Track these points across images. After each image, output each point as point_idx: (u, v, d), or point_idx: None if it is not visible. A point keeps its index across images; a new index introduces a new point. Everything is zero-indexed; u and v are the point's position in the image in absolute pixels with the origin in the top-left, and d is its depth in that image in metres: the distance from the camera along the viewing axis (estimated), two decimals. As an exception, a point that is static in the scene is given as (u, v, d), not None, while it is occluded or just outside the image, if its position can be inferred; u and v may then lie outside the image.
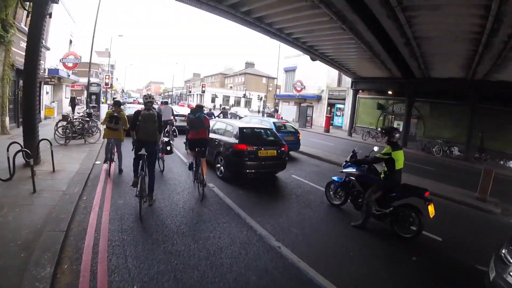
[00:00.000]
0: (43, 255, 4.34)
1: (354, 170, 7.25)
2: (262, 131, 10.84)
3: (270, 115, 38.85)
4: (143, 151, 6.55)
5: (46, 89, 24.10)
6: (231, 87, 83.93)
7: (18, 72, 16.09)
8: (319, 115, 37.40)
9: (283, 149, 9.87)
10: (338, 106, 36.51)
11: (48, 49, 21.95)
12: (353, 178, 7.28)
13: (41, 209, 5.98)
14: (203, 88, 48.31)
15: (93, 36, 19.67)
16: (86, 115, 15.14)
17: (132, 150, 7.07)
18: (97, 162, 10.33)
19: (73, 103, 27.15)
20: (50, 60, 23.93)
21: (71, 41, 31.63)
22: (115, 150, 9.60)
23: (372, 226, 6.79)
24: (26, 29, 17.18)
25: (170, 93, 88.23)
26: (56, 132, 13.15)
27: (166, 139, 9.08)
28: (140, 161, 6.56)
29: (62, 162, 9.56)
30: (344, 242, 6.10)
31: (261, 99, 62.36)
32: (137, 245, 5.16)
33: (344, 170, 7.56)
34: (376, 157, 6.60)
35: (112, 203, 6.97)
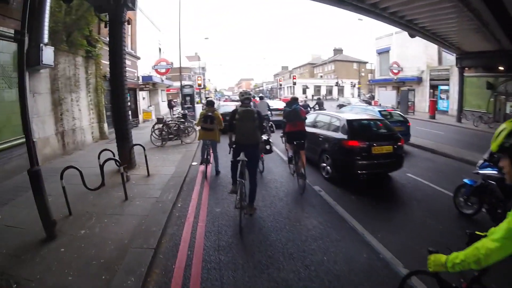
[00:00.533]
0: (127, 278, 3.67)
1: (495, 172, 5.32)
2: (374, 122, 8.92)
3: (367, 103, 35.89)
4: (242, 156, 5.48)
5: (142, 95, 25.15)
6: (321, 76, 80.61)
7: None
8: (420, 99, 32.58)
9: (399, 143, 7.97)
10: (442, 87, 31.37)
11: (138, 58, 22.77)
12: (493, 182, 5.35)
13: (130, 220, 5.27)
14: (294, 80, 46.25)
15: (179, 41, 19.66)
16: (181, 116, 14.96)
17: (229, 153, 6.16)
18: (193, 163, 9.63)
19: (170, 105, 28.02)
20: (143, 68, 24.89)
21: (160, 49, 32.93)
22: (211, 151, 8.78)
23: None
24: None
25: (261, 88, 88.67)
26: (153, 135, 13.05)
27: (265, 137, 7.75)
28: (239, 166, 5.50)
29: (157, 165, 9.07)
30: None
31: (354, 86, 58.45)
32: (236, 269, 4.12)
33: (480, 172, 5.66)
34: None
35: (208, 212, 5.99)
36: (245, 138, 5.74)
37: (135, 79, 21.97)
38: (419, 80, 33.33)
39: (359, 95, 47.85)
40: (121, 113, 8.75)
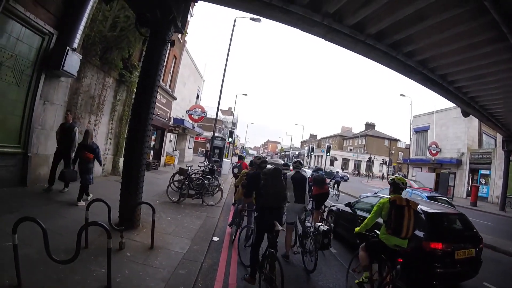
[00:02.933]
0: None
1: None
2: (453, 217, 6.66)
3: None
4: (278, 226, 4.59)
5: (170, 137, 23.32)
6: (350, 150, 78.78)
7: None
8: (458, 183, 30.05)
9: (481, 245, 5.96)
10: (482, 172, 28.90)
11: (174, 98, 21.29)
12: None
13: None
14: (322, 148, 43.88)
15: (221, 91, 18.02)
16: (207, 171, 12.59)
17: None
18: (214, 239, 7.05)
19: (206, 155, 25.91)
20: (176, 110, 23.42)
21: (198, 96, 31.91)
22: (246, 214, 6.63)
23: None
24: None
25: (287, 152, 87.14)
26: (171, 186, 10.64)
27: (321, 225, 5.70)
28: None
29: (167, 232, 6.60)
30: None
31: (385, 163, 55.97)
32: None
33: None
34: None
35: None
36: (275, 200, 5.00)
37: (166, 119, 20.23)
38: (458, 163, 31.12)
39: (392, 174, 44.65)
40: (136, 155, 6.43)
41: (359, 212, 7.85)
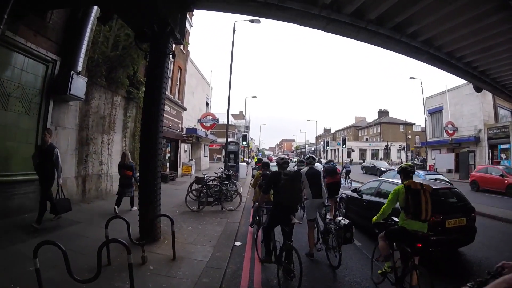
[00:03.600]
0: None
1: None
2: (444, 191, 7.21)
3: (422, 167, 32.45)
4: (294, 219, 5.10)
5: (184, 147, 23.53)
6: (366, 139, 77.90)
7: None
8: (479, 161, 29.09)
9: (472, 215, 6.68)
10: (502, 146, 28.13)
11: (184, 109, 21.50)
12: None
13: None
14: (338, 141, 43.23)
15: (229, 95, 18.02)
16: (224, 177, 12.69)
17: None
18: (237, 244, 7.01)
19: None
20: (188, 120, 23.63)
21: (207, 104, 32.08)
22: (264, 213, 7.25)
23: None
24: None
25: (303, 149, 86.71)
26: (189, 195, 10.67)
27: (342, 219, 5.62)
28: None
29: (188, 242, 6.61)
30: None
31: (403, 149, 55.14)
32: None
33: None
34: None
35: None
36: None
37: (179, 130, 20.46)
38: (476, 140, 30.18)
39: (412, 159, 43.83)
40: (150, 168, 6.46)
41: (365, 197, 8.53)
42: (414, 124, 72.23)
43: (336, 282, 5.29)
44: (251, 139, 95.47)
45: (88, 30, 8.99)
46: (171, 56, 7.08)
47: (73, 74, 8.34)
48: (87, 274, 3.97)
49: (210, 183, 11.41)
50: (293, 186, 5.21)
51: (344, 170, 20.17)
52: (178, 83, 20.33)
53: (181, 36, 7.38)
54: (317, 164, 7.72)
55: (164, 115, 16.94)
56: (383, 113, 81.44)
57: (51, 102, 8.34)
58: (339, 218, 5.39)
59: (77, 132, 9.84)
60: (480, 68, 14.03)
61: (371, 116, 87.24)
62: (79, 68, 8.80)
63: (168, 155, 19.61)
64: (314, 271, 5.63)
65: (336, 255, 5.78)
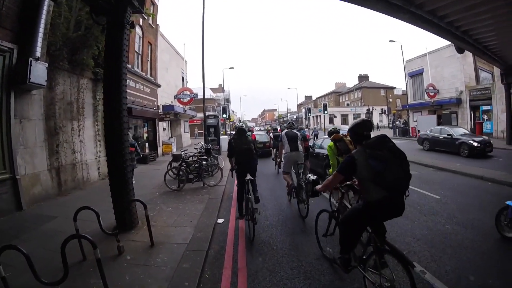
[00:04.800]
0: None
1: None
2: None
3: (404, 130, 32.88)
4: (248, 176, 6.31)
5: (163, 125, 22.95)
6: (348, 105, 77.75)
7: (129, 112, 14.76)
8: (461, 122, 29.82)
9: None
10: (484, 108, 28.60)
11: (158, 86, 20.81)
12: None
13: None
14: (319, 108, 42.79)
15: (203, 67, 17.32)
16: (203, 152, 12.52)
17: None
18: (219, 221, 6.79)
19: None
20: (164, 97, 23.02)
21: (183, 79, 31.30)
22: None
23: None
24: (129, 66, 15.93)
25: (285, 118, 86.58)
26: (169, 174, 10.43)
27: (311, 176, 5.56)
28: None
29: (168, 224, 6.35)
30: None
31: (384, 112, 55.67)
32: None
33: None
34: None
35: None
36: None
37: (154, 108, 19.81)
38: (458, 102, 30.56)
39: (393, 122, 44.34)
40: (117, 151, 6.13)
41: (316, 150, 11.69)
42: (394, 87, 71.90)
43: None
44: (233, 111, 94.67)
45: (44, 12, 8.29)
46: (129, 26, 6.58)
47: (31, 61, 7.72)
48: (62, 274, 3.72)
49: (190, 159, 11.18)
50: (241, 141, 6.82)
51: (313, 133, 26.34)
52: (149, 59, 19.52)
53: (140, 4, 6.78)
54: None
55: (137, 93, 16.59)
56: (363, 77, 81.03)
57: (12, 93, 7.73)
58: (309, 175, 5.50)
59: (44, 122, 9.27)
60: (462, 28, 13.86)
61: (352, 82, 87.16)
62: (38, 54, 8.16)
63: (146, 135, 19.14)
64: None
65: (305, 207, 6.82)
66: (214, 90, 79.56)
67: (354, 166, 3.31)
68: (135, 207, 6.21)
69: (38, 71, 8.07)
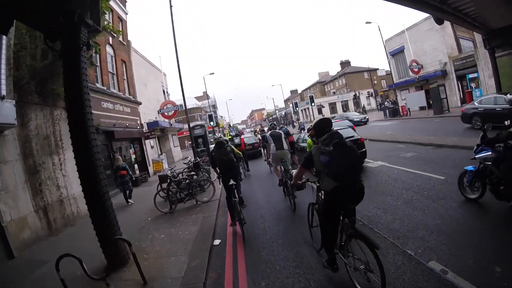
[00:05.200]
0: None
1: (489, 153, 5.46)
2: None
3: (394, 110, 32.54)
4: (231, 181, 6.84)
5: (150, 143, 22.33)
6: (334, 93, 77.28)
7: (107, 135, 14.17)
8: (450, 93, 29.15)
9: (360, 140, 10.70)
10: (470, 76, 28.40)
11: (139, 103, 20.20)
12: (489, 162, 5.42)
13: None
14: (306, 101, 42.27)
15: (180, 75, 16.84)
16: (192, 167, 11.87)
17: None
18: (215, 243, 6.30)
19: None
20: (147, 114, 22.48)
21: (165, 92, 30.79)
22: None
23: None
24: (104, 88, 15.44)
25: (274, 116, 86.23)
26: (159, 196, 9.89)
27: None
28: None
29: (161, 256, 5.86)
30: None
31: (371, 95, 55.55)
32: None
33: (477, 156, 5.73)
34: (510, 131, 5.13)
35: None
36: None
37: (138, 127, 19.27)
38: (443, 74, 30.38)
39: (381, 103, 44.05)
40: (92, 183, 5.63)
41: (301, 144, 12.56)
42: (377, 69, 72.36)
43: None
44: (221, 117, 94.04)
45: (4, 47, 7.81)
46: (86, 47, 6.03)
47: (-5, 101, 7.26)
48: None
49: (180, 175, 10.67)
50: (220, 152, 7.44)
51: (299, 127, 27.39)
52: (125, 77, 18.90)
53: (96, 22, 6.21)
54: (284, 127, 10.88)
55: (118, 115, 16.05)
56: (345, 63, 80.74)
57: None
58: (293, 170, 5.86)
59: (22, 162, 8.75)
60: None
61: (334, 69, 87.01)
62: (3, 92, 7.63)
63: (133, 156, 18.54)
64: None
65: (292, 201, 7.50)
66: (199, 98, 78.93)
67: (311, 160, 3.87)
68: (123, 243, 5.71)
69: (6, 110, 7.56)
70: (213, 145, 8.20)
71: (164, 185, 10.13)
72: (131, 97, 19.12)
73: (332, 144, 3.65)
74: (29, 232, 8.24)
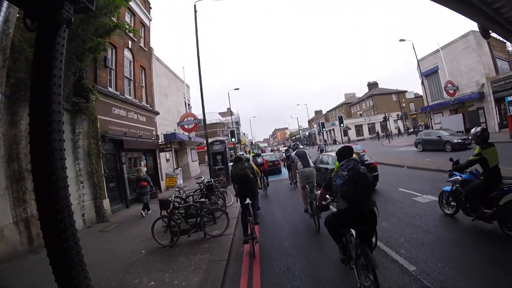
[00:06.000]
0: None
1: (458, 177, 6.85)
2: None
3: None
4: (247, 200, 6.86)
5: (166, 156, 20.95)
6: (360, 115, 75.02)
7: (115, 144, 12.80)
8: (487, 117, 27.31)
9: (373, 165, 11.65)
10: (510, 98, 25.30)
11: (156, 113, 18.82)
12: (458, 185, 6.78)
13: None
14: (332, 122, 40.36)
15: (201, 88, 15.37)
16: (204, 189, 10.23)
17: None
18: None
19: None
20: (164, 125, 21.20)
21: (188, 105, 29.66)
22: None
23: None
24: (117, 93, 14.05)
25: (297, 136, 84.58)
26: (163, 221, 8.03)
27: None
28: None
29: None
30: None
31: (400, 118, 53.17)
32: None
33: (449, 180, 7.14)
34: (470, 160, 6.31)
35: None
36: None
37: (153, 138, 17.83)
38: (481, 96, 27.93)
39: (415, 127, 41.51)
40: (53, 214, 3.93)
41: (318, 165, 12.86)
42: (406, 91, 70.36)
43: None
44: (244, 134, 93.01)
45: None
46: (66, 25, 4.50)
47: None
48: None
49: (189, 198, 9.00)
50: (237, 167, 7.47)
51: (318, 149, 28.25)
52: (143, 85, 17.62)
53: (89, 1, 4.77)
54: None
55: (130, 123, 14.54)
56: (372, 85, 78.50)
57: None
58: (318, 192, 5.72)
59: (5, 166, 7.55)
60: (494, 5, 11.74)
61: (361, 91, 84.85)
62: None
63: (145, 169, 16.96)
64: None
65: (317, 221, 7.35)
66: (222, 114, 77.99)
67: (330, 183, 4.36)
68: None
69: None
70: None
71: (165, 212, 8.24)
72: (148, 106, 17.76)
73: (347, 170, 4.00)
74: (4, 246, 7.19)
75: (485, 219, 5.92)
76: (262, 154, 22.50)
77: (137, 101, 16.04)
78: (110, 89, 13.30)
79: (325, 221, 4.74)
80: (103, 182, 11.47)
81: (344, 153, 4.44)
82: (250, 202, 6.79)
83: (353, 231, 4.35)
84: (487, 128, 7.67)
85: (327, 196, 4.74)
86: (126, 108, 14.42)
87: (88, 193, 10.60)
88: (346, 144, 15.60)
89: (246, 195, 6.99)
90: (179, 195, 10.04)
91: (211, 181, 10.63)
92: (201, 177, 12.11)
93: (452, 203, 7.09)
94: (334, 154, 7.54)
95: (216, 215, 8.10)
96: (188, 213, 7.90)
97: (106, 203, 11.39)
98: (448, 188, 7.17)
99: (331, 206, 4.95)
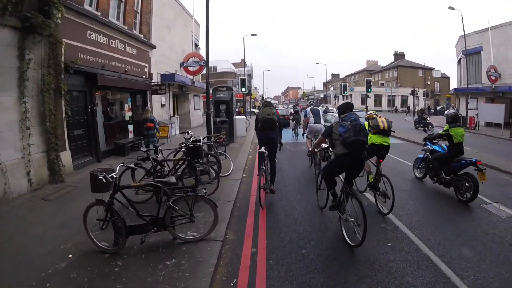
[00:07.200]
0: None
1: (428, 146, 8.20)
2: None
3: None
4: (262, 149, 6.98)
5: (162, 100, 18.03)
6: (382, 84, 70.06)
7: (87, 78, 10.08)
8: None
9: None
10: None
11: (152, 47, 15.57)
12: (428, 153, 8.15)
13: None
14: (351, 87, 36.45)
15: (207, 20, 11.78)
16: (188, 155, 7.26)
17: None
18: None
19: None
20: (163, 64, 18.07)
21: (196, 45, 26.32)
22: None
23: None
24: (97, 13, 10.58)
25: (310, 96, 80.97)
26: (97, 209, 4.64)
27: (324, 144, 6.22)
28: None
29: None
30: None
31: (427, 95, 49.71)
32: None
33: (423, 148, 8.61)
34: (439, 133, 7.69)
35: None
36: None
37: (144, 76, 14.66)
38: None
39: (447, 107, 38.12)
40: None
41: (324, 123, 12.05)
42: (433, 69, 65.88)
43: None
44: (255, 88, 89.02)
45: None
46: None
47: None
48: None
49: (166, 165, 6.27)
50: (264, 112, 7.28)
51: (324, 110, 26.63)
52: (138, 10, 14.26)
53: None
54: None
55: (112, 54, 10.38)
56: (399, 55, 73.78)
57: None
58: (324, 144, 6.22)
59: None
60: None
61: (384, 61, 79.92)
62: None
63: (129, 113, 14.02)
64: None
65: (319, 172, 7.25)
66: (235, 64, 73.95)
67: (331, 131, 5.05)
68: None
69: None
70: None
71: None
72: (142, 36, 14.42)
73: (350, 121, 4.74)
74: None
75: (444, 184, 7.41)
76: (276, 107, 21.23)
77: (126, 27, 12.72)
78: (87, 7, 10.11)
79: (324, 169, 5.45)
80: (62, 128, 8.69)
81: (346, 108, 5.20)
82: (266, 152, 6.96)
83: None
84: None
85: (323, 144, 6.05)
86: (109, 35, 11.19)
87: (38, 142, 7.84)
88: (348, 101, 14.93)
89: (264, 141, 7.14)
90: (153, 155, 7.31)
91: (200, 140, 7.55)
92: (188, 132, 9.18)
93: (422, 168, 8.73)
94: (337, 114, 8.08)
95: (195, 205, 4.72)
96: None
97: (65, 156, 8.67)
98: (421, 155, 8.81)
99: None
